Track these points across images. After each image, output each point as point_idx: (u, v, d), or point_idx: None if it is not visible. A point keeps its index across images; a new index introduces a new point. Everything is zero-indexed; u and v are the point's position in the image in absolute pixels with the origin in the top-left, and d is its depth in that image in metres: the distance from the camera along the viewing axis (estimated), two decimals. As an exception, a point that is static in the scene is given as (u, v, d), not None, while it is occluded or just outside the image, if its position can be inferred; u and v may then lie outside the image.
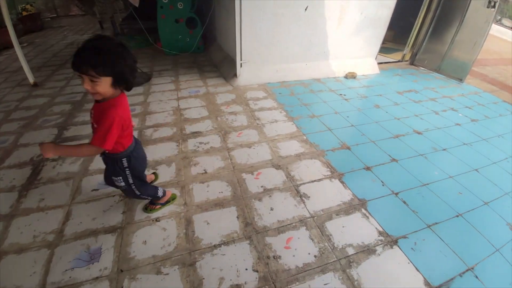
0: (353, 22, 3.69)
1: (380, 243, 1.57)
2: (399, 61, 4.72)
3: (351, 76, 3.93)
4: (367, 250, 1.52)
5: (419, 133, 2.72)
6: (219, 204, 1.77)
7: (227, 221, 1.65)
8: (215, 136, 2.47)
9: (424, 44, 4.44)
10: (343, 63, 4.02)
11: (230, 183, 1.94)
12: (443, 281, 1.40)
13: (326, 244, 1.54)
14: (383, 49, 4.44)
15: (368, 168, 2.16)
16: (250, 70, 3.54)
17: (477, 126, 2.94)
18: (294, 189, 1.91)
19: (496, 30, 8.34)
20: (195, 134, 2.49)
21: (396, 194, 1.93)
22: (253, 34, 3.31)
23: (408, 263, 1.48)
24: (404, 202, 1.86)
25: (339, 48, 3.88)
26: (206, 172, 2.04)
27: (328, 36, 3.68)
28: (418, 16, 4.30)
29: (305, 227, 1.63)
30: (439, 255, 1.54)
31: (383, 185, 2.00)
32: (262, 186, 1.92)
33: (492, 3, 3.42)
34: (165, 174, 2.00)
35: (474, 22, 3.72)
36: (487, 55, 5.63)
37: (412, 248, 1.56)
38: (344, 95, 3.42)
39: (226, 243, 1.52)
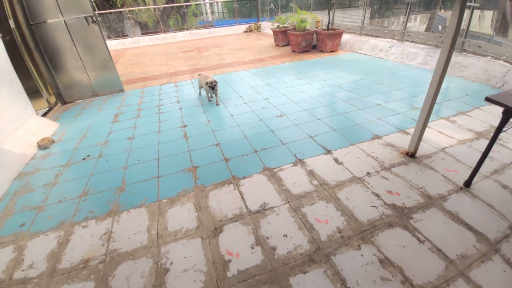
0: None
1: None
2: (52, 108, 3.90)
3: (48, 143, 2.78)
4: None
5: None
6: None
7: None
8: None
9: (57, 80, 3.91)
10: (16, 138, 2.57)
11: None
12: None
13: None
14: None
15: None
16: None
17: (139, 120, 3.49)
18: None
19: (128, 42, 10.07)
20: None
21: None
22: None
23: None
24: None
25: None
26: None
27: None
28: (25, 61, 3.50)
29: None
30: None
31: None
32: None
33: (90, 20, 3.55)
34: None
35: (88, 41, 3.75)
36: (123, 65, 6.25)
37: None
38: (61, 174, 2.40)
39: None
